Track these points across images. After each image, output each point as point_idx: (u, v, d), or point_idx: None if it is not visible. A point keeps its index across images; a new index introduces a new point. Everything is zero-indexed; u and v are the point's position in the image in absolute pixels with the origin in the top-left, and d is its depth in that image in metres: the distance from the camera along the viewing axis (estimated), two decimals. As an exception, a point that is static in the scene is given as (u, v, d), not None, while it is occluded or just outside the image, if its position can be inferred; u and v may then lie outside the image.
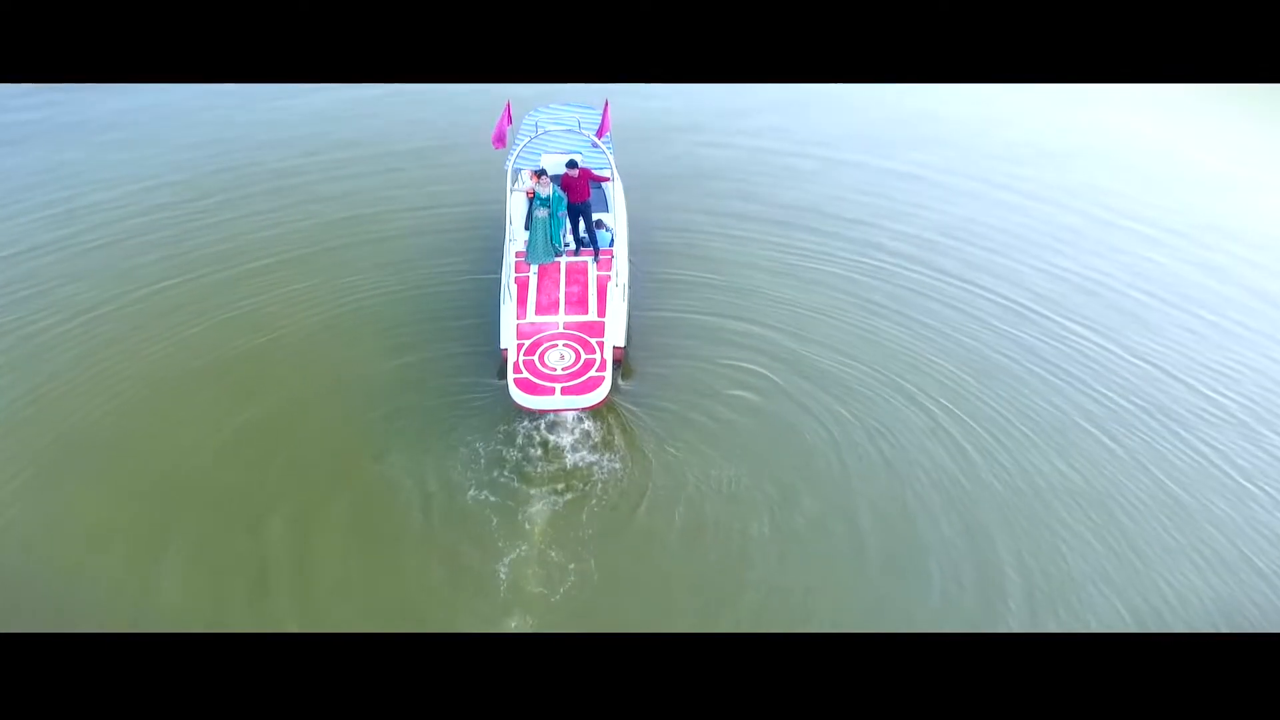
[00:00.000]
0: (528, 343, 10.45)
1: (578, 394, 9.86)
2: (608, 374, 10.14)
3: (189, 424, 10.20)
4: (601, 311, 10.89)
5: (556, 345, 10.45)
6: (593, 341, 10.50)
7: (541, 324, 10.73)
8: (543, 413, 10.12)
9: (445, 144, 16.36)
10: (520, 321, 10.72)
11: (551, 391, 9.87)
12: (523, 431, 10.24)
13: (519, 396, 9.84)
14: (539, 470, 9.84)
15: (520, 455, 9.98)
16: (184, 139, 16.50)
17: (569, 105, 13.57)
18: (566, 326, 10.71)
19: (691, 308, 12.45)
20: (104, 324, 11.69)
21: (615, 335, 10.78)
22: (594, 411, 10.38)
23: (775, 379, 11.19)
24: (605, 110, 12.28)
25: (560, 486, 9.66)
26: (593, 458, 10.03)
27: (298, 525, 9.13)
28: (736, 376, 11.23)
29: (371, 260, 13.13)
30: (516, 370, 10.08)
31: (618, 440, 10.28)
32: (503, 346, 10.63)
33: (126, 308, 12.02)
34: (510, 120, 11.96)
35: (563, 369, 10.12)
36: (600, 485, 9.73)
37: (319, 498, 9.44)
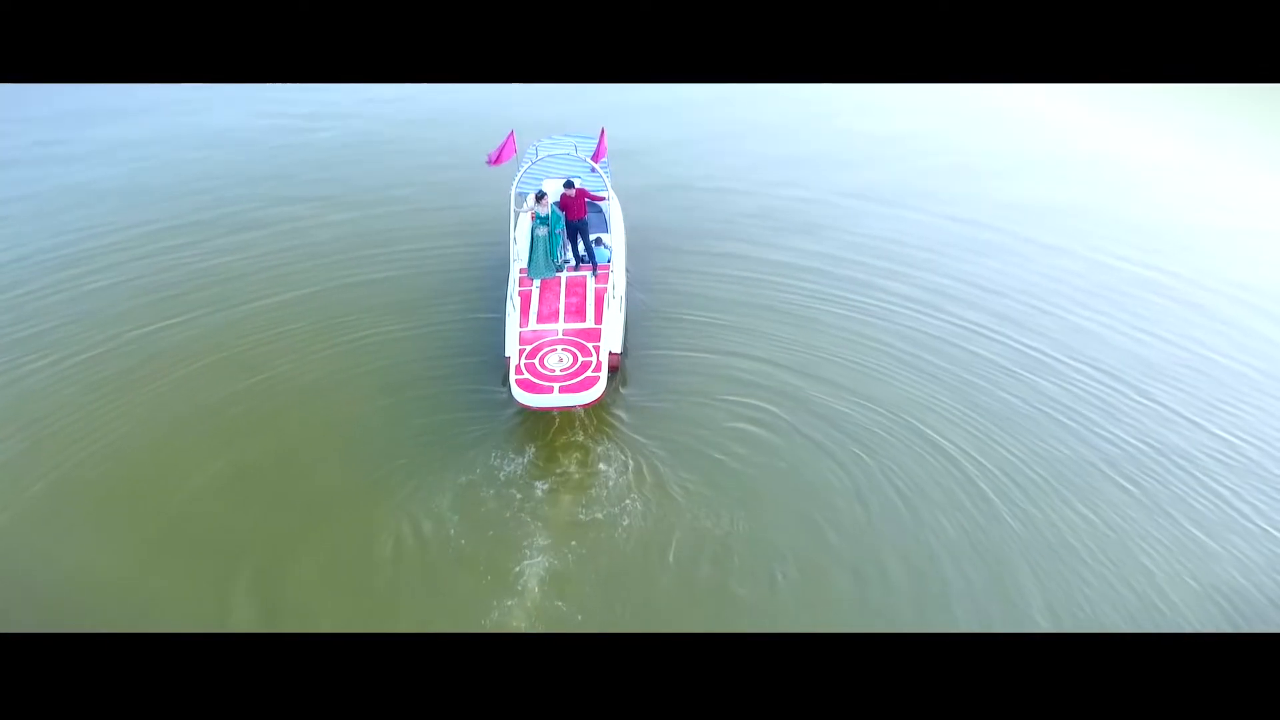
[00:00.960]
0: (529, 348, 11.15)
1: (574, 392, 10.49)
2: (603, 375, 10.77)
3: (181, 463, 10.23)
4: (599, 319, 11.59)
5: (556, 349, 11.13)
6: (589, 346, 11.17)
7: (542, 331, 11.44)
8: (543, 410, 10.75)
9: (445, 182, 16.79)
10: (523, 329, 11.45)
11: (550, 390, 10.52)
12: (526, 466, 10.27)
13: (520, 395, 10.49)
14: (541, 508, 9.77)
15: (524, 494, 9.93)
16: (184, 177, 16.94)
17: (568, 135, 14.53)
18: (565, 333, 11.41)
19: (699, 345, 12.57)
20: (100, 364, 11.76)
21: (612, 342, 11.45)
22: (606, 452, 10.56)
23: (787, 417, 11.18)
24: (601, 137, 13.19)
25: (565, 528, 9.50)
26: (602, 496, 9.94)
27: (284, 567, 9.05)
28: (748, 413, 11.24)
29: (370, 299, 13.27)
30: (518, 372, 10.76)
31: (631, 479, 10.22)
32: (506, 354, 11.34)
33: (124, 348, 12.10)
34: (514, 149, 12.88)
35: (561, 370, 10.80)
36: (610, 526, 9.57)
37: (312, 536, 9.40)
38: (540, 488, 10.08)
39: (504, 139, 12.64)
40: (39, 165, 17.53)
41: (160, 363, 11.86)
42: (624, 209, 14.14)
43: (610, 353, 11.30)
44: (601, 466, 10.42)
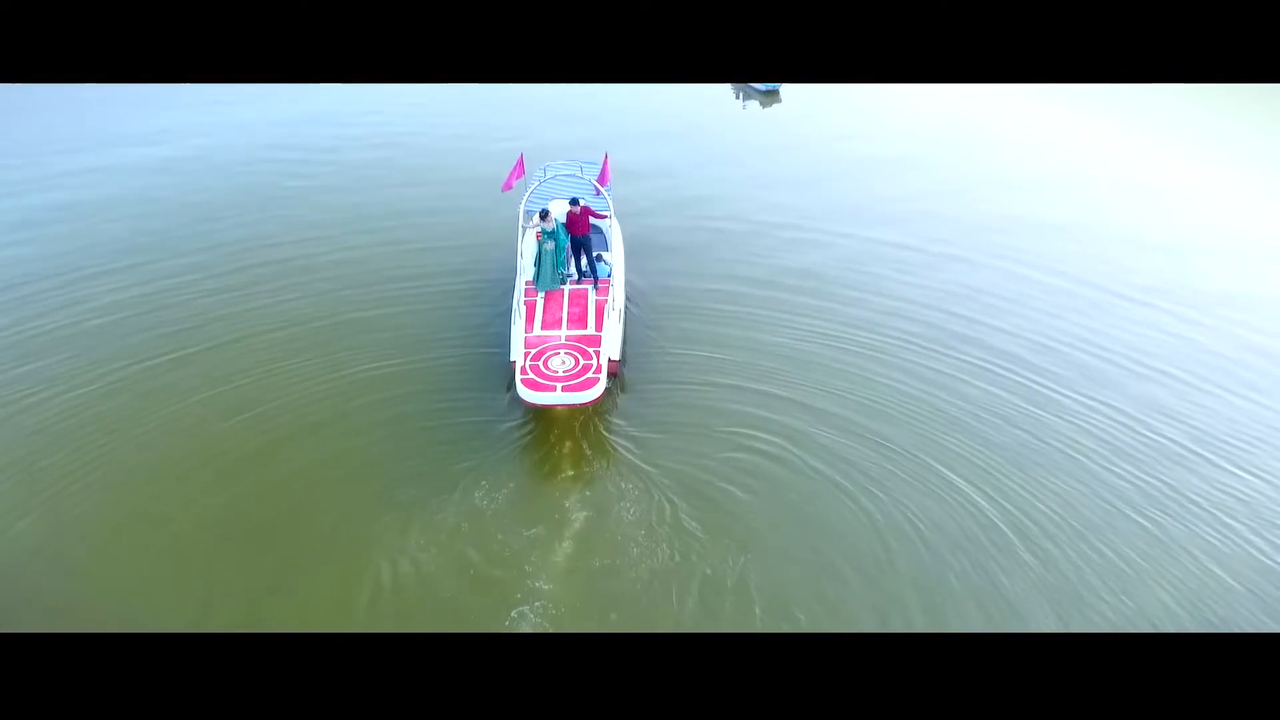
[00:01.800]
0: (533, 351, 11.83)
1: (576, 391, 11.15)
2: (603, 376, 11.45)
3: (174, 496, 10.32)
4: (599, 327, 12.31)
5: (559, 353, 11.82)
6: (590, 350, 11.87)
7: (546, 337, 12.14)
8: (546, 407, 11.39)
9: (450, 213, 17.31)
10: (528, 335, 12.15)
11: (553, 389, 11.18)
12: (527, 501, 10.22)
13: (525, 394, 11.13)
14: (542, 546, 9.66)
15: (524, 530, 9.87)
16: (187, 213, 17.35)
17: (573, 161, 15.46)
18: (568, 339, 12.12)
19: (705, 377, 12.70)
20: (97, 397, 11.89)
21: (611, 348, 12.15)
22: (613, 487, 10.57)
23: (796, 450, 11.21)
24: (605, 162, 14.10)
25: (567, 568, 9.33)
26: (609, 534, 9.80)
27: (267, 604, 8.96)
28: (757, 446, 11.32)
29: (368, 333, 13.49)
30: (523, 373, 11.42)
31: (639, 516, 10.14)
32: (512, 359, 12.01)
33: (122, 382, 12.25)
34: (523, 172, 13.77)
35: (564, 371, 11.47)
36: (618, 567, 9.40)
37: (300, 571, 9.37)
38: (542, 525, 9.99)
39: (514, 162, 13.54)
40: (41, 195, 18.01)
41: (158, 397, 11.98)
42: (628, 233, 14.98)
43: (610, 359, 11.98)
44: (607, 502, 10.35)
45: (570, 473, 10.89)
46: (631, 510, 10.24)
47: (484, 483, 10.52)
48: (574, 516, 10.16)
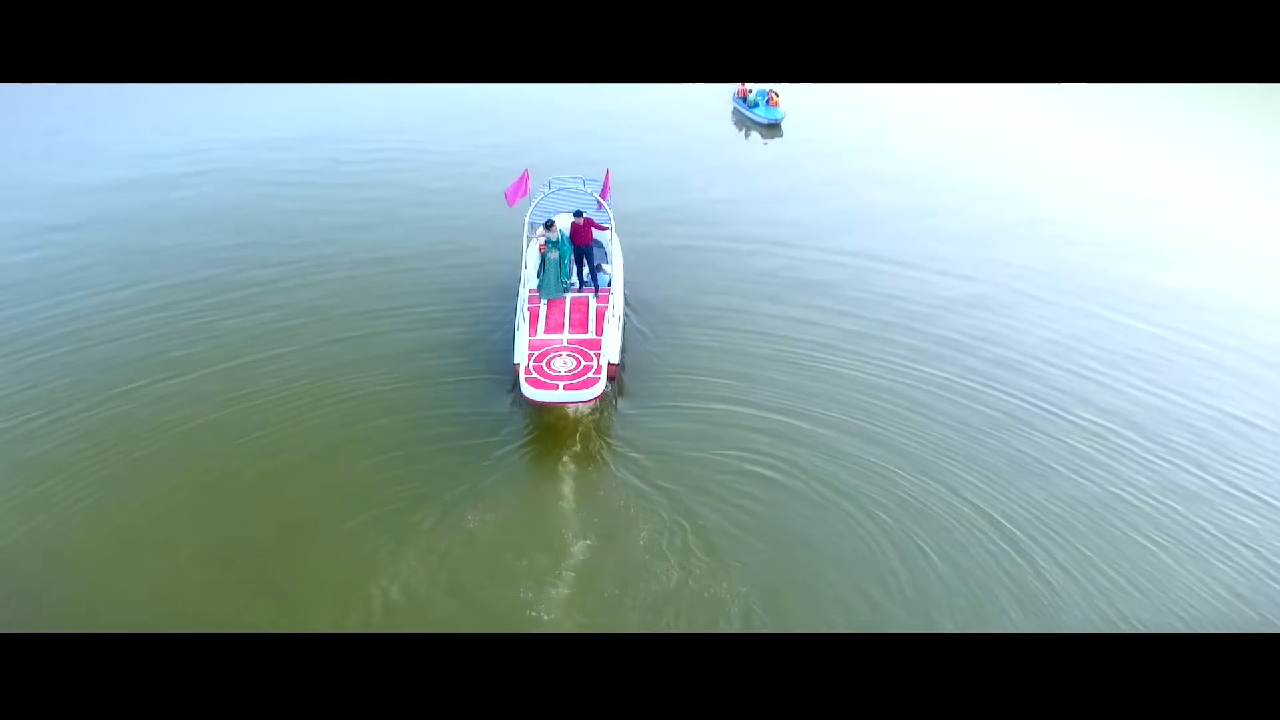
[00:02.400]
0: (537, 353, 12.78)
1: (578, 389, 12.08)
2: (603, 377, 12.37)
3: (169, 515, 10.52)
4: (599, 331, 13.24)
5: (561, 355, 12.77)
6: (591, 353, 12.80)
7: (549, 340, 13.09)
8: (549, 405, 12.31)
9: (445, 238, 17.72)
10: (531, 337, 13.11)
11: (556, 387, 12.11)
12: (527, 524, 10.33)
13: (529, 391, 12.08)
14: (544, 571, 9.74)
15: (526, 561, 9.90)
16: (187, 232, 17.75)
17: (575, 176, 16.46)
18: (570, 342, 13.05)
19: (718, 392, 13.00)
20: (93, 420, 12.09)
21: (610, 352, 13.07)
22: (627, 514, 10.73)
23: (805, 469, 11.40)
24: (606, 178, 15.08)
25: (578, 599, 9.40)
26: (624, 564, 9.86)
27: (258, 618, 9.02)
28: (767, 463, 11.52)
29: (366, 355, 13.78)
30: (527, 373, 12.37)
31: (654, 538, 10.20)
32: (516, 362, 12.96)
33: (118, 405, 12.45)
34: (527, 189, 14.76)
35: (565, 371, 12.41)
36: (634, 593, 9.42)
37: (295, 597, 9.48)
38: (543, 548, 10.14)
39: (518, 177, 14.54)
40: (43, 210, 18.61)
41: (155, 418, 12.20)
42: (631, 246, 15.92)
43: (609, 362, 12.89)
44: (613, 525, 10.50)
45: (574, 494, 11.21)
46: (642, 535, 10.37)
47: (480, 505, 10.73)
48: (578, 541, 10.33)
